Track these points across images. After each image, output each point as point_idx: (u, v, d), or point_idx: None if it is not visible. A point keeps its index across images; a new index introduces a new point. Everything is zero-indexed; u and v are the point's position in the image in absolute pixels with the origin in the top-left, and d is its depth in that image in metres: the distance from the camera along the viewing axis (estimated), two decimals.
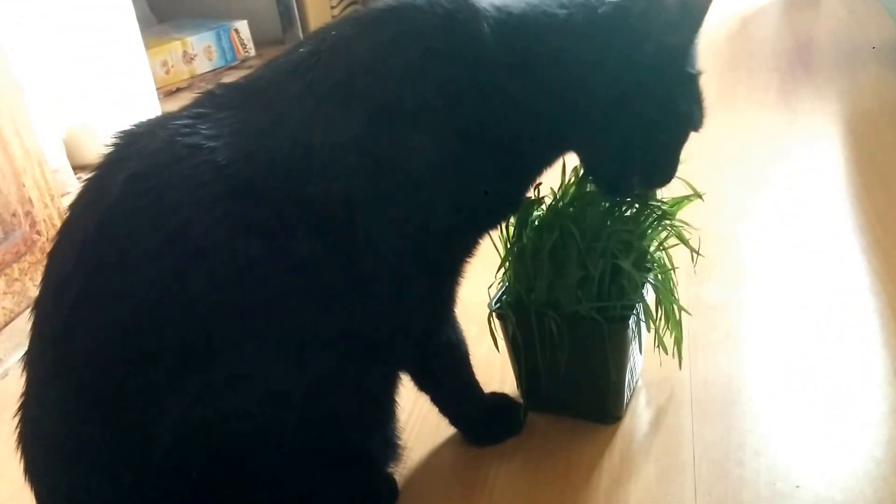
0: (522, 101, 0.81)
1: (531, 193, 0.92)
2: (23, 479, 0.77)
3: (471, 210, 0.83)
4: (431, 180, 0.79)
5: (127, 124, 0.79)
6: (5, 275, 1.32)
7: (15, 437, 0.78)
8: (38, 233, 1.39)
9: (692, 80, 0.85)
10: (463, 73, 0.78)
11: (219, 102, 0.78)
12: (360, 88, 0.77)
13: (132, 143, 0.76)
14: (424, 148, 0.77)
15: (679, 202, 0.97)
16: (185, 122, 0.76)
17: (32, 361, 0.76)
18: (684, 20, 0.80)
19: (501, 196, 0.86)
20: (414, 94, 0.77)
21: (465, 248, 0.87)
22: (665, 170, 0.89)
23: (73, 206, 0.77)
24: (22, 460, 0.77)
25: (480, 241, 0.88)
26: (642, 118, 0.83)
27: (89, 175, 0.77)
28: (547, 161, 0.90)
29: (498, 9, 0.81)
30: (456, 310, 0.92)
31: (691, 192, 0.97)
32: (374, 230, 0.77)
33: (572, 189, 0.96)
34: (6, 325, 1.32)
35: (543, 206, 0.95)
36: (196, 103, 0.79)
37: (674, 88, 0.84)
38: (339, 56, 0.78)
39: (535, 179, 0.90)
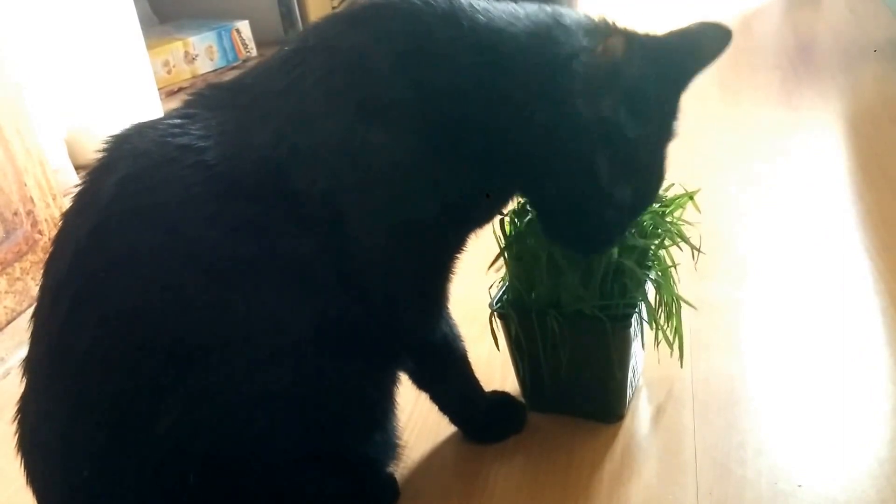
0: (482, 112, 0.79)
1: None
2: (24, 480, 0.77)
3: (446, 209, 0.82)
4: (407, 176, 0.79)
5: (125, 125, 0.79)
6: (7, 274, 1.32)
7: (15, 442, 0.78)
8: (40, 232, 1.39)
9: (635, 156, 0.81)
10: (436, 74, 0.78)
11: (208, 103, 0.79)
12: (340, 86, 0.77)
13: (122, 146, 0.77)
14: (399, 144, 0.78)
15: (673, 202, 0.96)
16: (176, 122, 0.76)
17: (31, 368, 0.76)
18: (613, 87, 0.77)
19: (478, 196, 0.85)
20: (389, 92, 0.78)
21: (451, 244, 0.87)
22: (586, 239, 0.86)
23: (67, 213, 0.77)
24: (22, 465, 0.77)
25: (466, 238, 0.88)
26: (558, 172, 0.81)
27: (81, 180, 0.77)
28: (514, 176, 0.87)
29: (481, 13, 0.80)
30: (451, 309, 0.92)
31: (687, 192, 0.97)
32: (358, 226, 0.77)
33: None
34: (8, 324, 1.32)
35: None
36: (186, 104, 0.80)
37: (598, 156, 0.79)
38: (320, 54, 0.79)
39: (513, 187, 0.88)
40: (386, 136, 0.77)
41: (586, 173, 0.80)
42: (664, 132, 0.84)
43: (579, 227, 0.85)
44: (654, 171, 0.85)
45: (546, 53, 0.78)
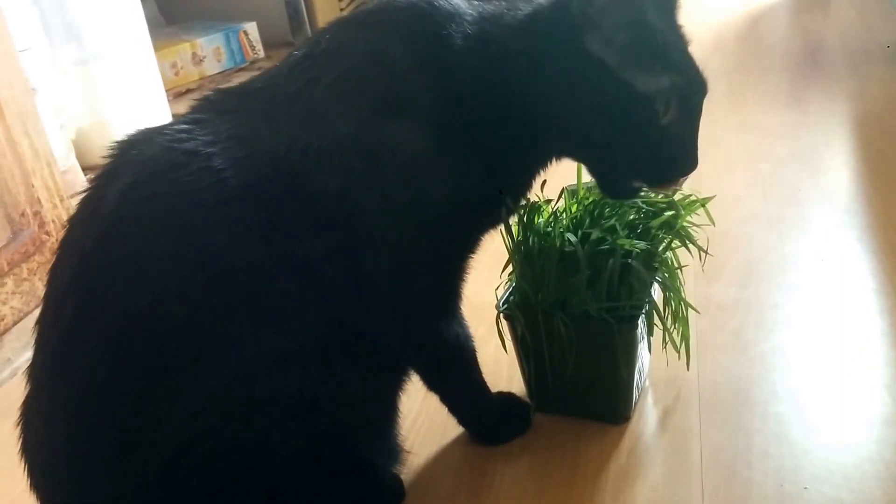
0: (500, 100, 0.81)
1: (536, 196, 0.92)
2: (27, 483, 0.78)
3: (464, 205, 0.82)
4: (423, 174, 0.79)
5: (134, 126, 0.79)
6: (14, 274, 1.33)
7: (18, 446, 0.78)
8: (47, 233, 1.39)
9: (658, 51, 0.79)
10: (448, 71, 0.79)
11: (216, 108, 0.79)
12: (354, 86, 0.78)
13: (128, 152, 0.76)
14: (415, 142, 0.78)
15: (687, 206, 0.96)
16: (183, 127, 0.76)
17: (35, 374, 0.76)
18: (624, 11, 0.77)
19: (495, 192, 0.85)
20: (404, 90, 0.78)
21: (466, 243, 0.87)
22: (665, 163, 0.83)
23: (72, 220, 0.77)
24: (25, 470, 0.77)
25: (481, 237, 0.88)
26: (603, 112, 0.80)
27: (87, 187, 0.77)
28: (538, 162, 0.88)
29: (476, 9, 0.82)
30: (463, 309, 0.92)
31: (700, 196, 0.97)
32: (372, 225, 0.77)
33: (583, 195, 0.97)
34: (15, 324, 1.32)
35: (549, 209, 0.95)
36: (193, 109, 0.80)
37: (626, 73, 0.78)
38: (333, 57, 0.80)
39: (531, 178, 0.89)
40: (405, 132, 0.78)
41: (623, 89, 0.78)
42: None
43: (648, 149, 0.82)
44: (681, 58, 0.81)
45: (558, 17, 0.79)
